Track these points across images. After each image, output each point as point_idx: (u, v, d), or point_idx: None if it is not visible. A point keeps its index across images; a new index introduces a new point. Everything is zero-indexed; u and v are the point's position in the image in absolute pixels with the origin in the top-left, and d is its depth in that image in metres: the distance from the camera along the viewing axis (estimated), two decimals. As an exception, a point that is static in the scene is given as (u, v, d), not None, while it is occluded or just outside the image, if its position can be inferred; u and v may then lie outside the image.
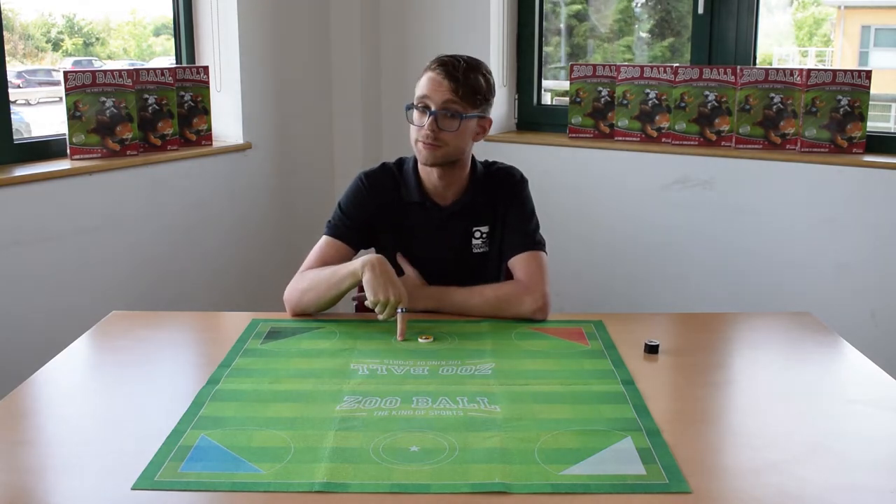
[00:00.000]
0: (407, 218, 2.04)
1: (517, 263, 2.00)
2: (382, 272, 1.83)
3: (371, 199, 2.04)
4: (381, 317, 1.82)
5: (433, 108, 1.92)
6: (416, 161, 2.05)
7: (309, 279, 1.96)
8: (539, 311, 1.93)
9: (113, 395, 1.64)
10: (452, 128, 1.93)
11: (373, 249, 2.09)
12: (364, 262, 1.85)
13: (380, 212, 2.03)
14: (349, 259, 2.01)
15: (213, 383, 1.59)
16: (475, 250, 2.05)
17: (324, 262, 1.99)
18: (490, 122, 2.03)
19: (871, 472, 1.32)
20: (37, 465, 1.37)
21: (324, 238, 2.04)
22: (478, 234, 2.05)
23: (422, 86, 1.95)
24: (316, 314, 1.98)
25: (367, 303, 1.84)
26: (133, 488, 1.23)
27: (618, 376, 1.63)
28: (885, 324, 3.02)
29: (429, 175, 2.02)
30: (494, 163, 2.12)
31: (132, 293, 3.06)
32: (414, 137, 1.96)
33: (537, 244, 2.03)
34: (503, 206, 2.05)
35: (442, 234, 2.04)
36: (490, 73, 2.00)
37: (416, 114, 1.95)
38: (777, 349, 1.92)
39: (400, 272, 1.98)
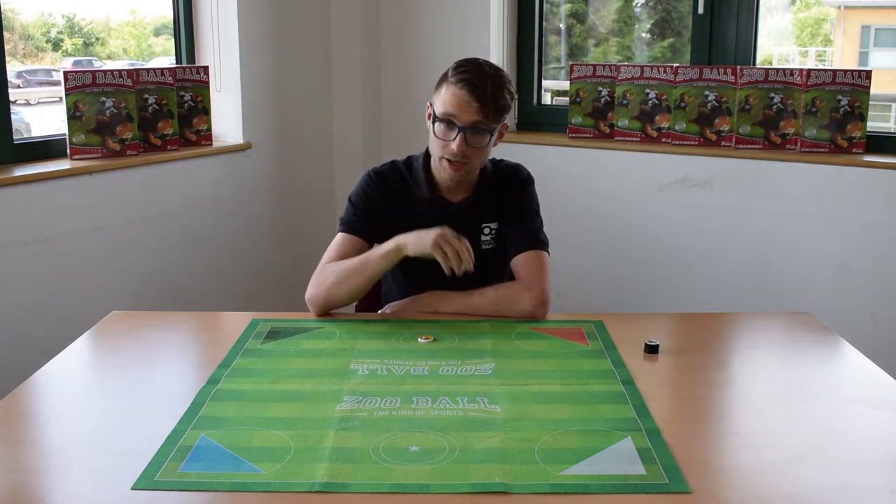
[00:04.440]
0: (415, 215, 2.04)
1: (519, 262, 2.01)
2: (416, 233, 1.86)
3: (380, 195, 2.04)
4: (454, 263, 1.82)
5: (460, 125, 1.91)
6: (426, 158, 2.06)
7: (335, 273, 1.94)
8: (538, 308, 1.93)
9: (113, 395, 1.64)
10: (482, 143, 1.94)
11: None
12: (397, 241, 1.87)
13: (388, 208, 2.04)
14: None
15: (213, 383, 1.59)
16: (483, 247, 2.06)
17: (343, 258, 1.98)
18: (507, 126, 2.04)
19: (871, 472, 1.32)
20: (37, 465, 1.36)
21: (339, 235, 2.04)
22: (486, 231, 2.06)
23: (446, 102, 1.91)
24: (343, 306, 1.98)
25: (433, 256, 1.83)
26: (133, 488, 1.23)
27: (618, 376, 1.63)
28: (885, 324, 3.02)
29: (441, 174, 2.02)
30: (501, 160, 2.13)
31: (132, 293, 3.06)
32: (438, 154, 1.96)
33: (540, 243, 2.04)
34: (509, 203, 2.06)
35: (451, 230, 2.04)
36: (511, 83, 1.99)
37: (441, 128, 1.93)
38: (777, 349, 1.92)
39: (417, 283, 1.99)
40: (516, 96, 3.75)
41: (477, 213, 2.05)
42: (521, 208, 2.06)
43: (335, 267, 1.95)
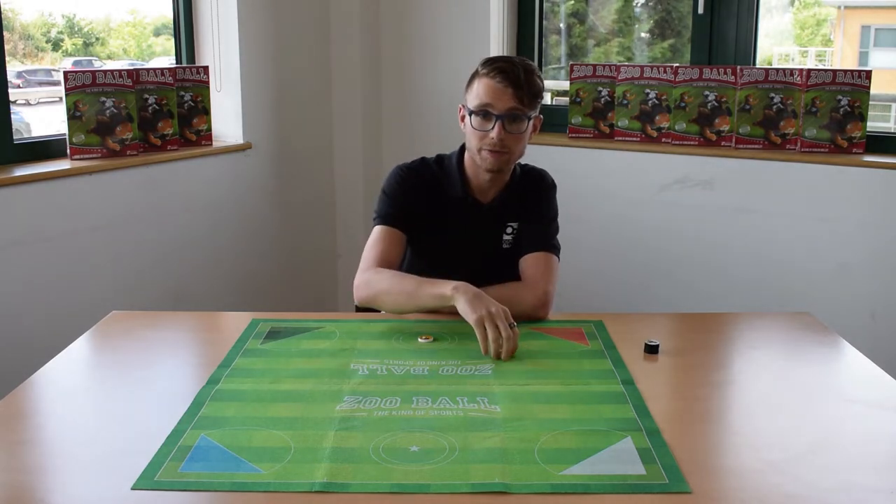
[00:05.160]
0: (445, 213, 2.05)
1: (527, 261, 2.02)
2: (476, 293, 1.77)
3: (413, 189, 2.05)
4: (491, 348, 1.69)
5: (497, 114, 1.92)
6: (459, 157, 2.07)
7: (389, 283, 1.90)
8: (540, 308, 1.94)
9: (113, 395, 1.64)
10: (520, 129, 1.95)
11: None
12: (455, 289, 1.79)
13: (421, 203, 2.04)
14: (403, 248, 2.02)
15: (213, 383, 1.59)
16: (504, 246, 2.08)
17: (386, 254, 1.98)
18: (541, 119, 2.05)
19: (871, 472, 1.32)
20: (37, 465, 1.36)
21: (378, 228, 2.02)
22: (509, 230, 2.08)
23: (481, 94, 1.94)
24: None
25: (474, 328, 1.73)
26: (133, 488, 1.23)
27: (618, 376, 1.63)
28: (885, 324, 3.02)
29: (477, 173, 2.03)
30: (527, 164, 2.15)
31: (132, 293, 3.06)
32: (476, 146, 1.97)
33: (552, 246, 2.05)
34: (530, 205, 2.08)
35: (479, 229, 2.06)
36: (539, 71, 2.02)
37: (478, 120, 1.95)
38: (777, 349, 1.92)
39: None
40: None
41: (504, 214, 2.07)
42: (540, 211, 2.08)
43: (390, 277, 1.92)
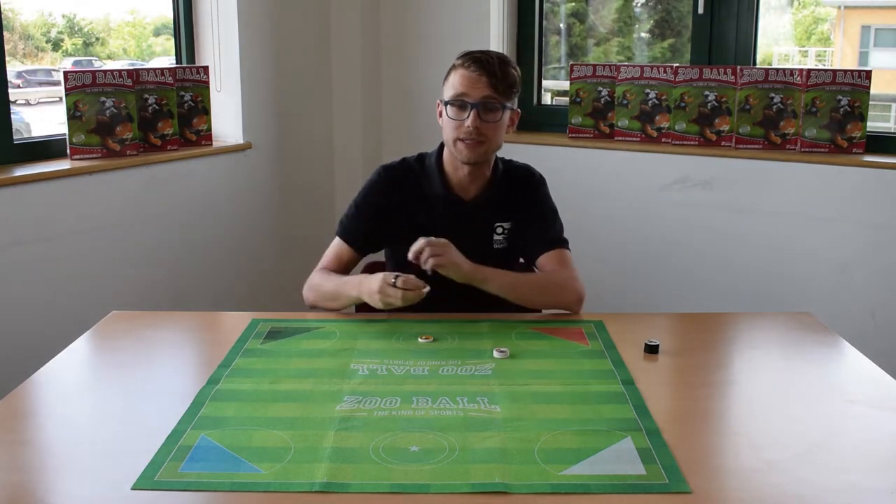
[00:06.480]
0: (427, 212, 2.05)
1: (548, 260, 2.02)
2: (367, 289, 1.85)
3: (390, 191, 2.05)
4: (411, 301, 1.80)
5: (472, 102, 1.93)
6: (439, 155, 2.06)
7: (318, 288, 2.02)
8: (577, 303, 1.97)
9: (113, 395, 1.64)
10: (495, 119, 1.95)
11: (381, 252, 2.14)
12: (360, 290, 1.88)
13: (399, 204, 2.04)
14: (355, 262, 2.08)
15: (213, 383, 1.59)
16: (495, 246, 2.07)
17: (337, 260, 2.07)
18: (518, 113, 2.05)
19: (871, 472, 1.32)
20: (37, 465, 1.37)
21: (335, 239, 2.09)
22: (500, 230, 2.07)
23: (456, 84, 1.95)
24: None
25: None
26: (133, 488, 1.23)
27: (618, 376, 1.63)
28: (885, 324, 3.02)
29: (456, 170, 2.03)
30: (511, 160, 2.15)
31: (132, 293, 3.06)
32: (452, 136, 1.97)
33: (563, 241, 2.07)
34: (526, 204, 2.07)
35: (464, 228, 2.04)
36: (516, 65, 2.03)
37: (453, 110, 1.96)
38: (777, 349, 1.92)
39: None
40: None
41: (490, 212, 2.06)
42: (542, 210, 2.08)
43: (321, 281, 2.02)
